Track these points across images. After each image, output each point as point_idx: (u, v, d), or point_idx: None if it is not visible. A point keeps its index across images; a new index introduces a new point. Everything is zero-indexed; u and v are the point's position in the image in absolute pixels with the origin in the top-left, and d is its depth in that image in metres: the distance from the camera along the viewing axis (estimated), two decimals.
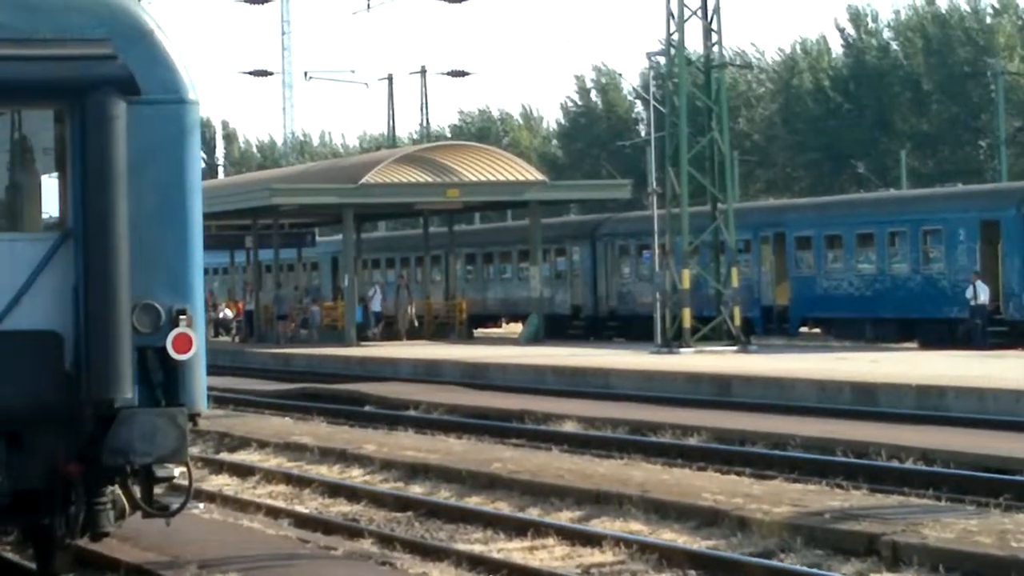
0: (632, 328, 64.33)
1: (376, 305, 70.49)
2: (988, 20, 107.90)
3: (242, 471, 27.77)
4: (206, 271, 30.25)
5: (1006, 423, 29.78)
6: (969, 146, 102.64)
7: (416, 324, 70.15)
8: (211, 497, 22.79)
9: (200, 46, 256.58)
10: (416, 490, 24.12)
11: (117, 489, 15.45)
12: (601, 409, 35.29)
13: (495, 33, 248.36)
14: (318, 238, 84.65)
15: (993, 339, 50.75)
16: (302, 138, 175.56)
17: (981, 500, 21.48)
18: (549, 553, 19.18)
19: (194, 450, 21.41)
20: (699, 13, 54.22)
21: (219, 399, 38.48)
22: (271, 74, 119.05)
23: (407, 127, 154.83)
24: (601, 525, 20.64)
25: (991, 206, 55.95)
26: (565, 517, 21.43)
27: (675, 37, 55.10)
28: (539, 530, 20.27)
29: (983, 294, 51.75)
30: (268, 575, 15.91)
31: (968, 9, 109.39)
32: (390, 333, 69.17)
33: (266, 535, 18.91)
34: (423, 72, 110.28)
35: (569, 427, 32.42)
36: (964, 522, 18.89)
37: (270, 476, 26.79)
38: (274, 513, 21.64)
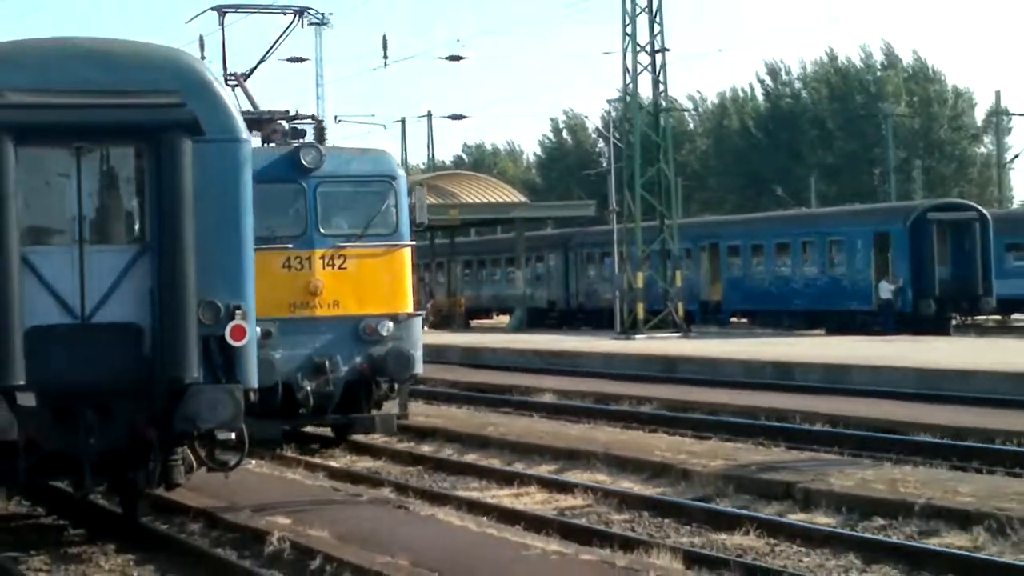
0: (597, 319, 64.21)
1: None
2: (879, 73, 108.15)
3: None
4: None
5: (895, 393, 29.77)
6: (865, 174, 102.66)
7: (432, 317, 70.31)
8: (261, 455, 22.78)
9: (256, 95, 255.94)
10: (425, 449, 24.07)
11: (186, 449, 15.54)
12: (572, 384, 35.26)
13: (486, 83, 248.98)
14: None
15: (883, 329, 50.89)
16: None
17: (876, 455, 21.55)
18: (531, 499, 19.24)
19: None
20: (649, 68, 54.16)
21: None
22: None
23: (417, 159, 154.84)
24: (573, 476, 20.64)
25: (883, 221, 56.02)
26: (544, 470, 21.45)
27: (630, 87, 55.13)
28: (523, 480, 20.36)
29: (887, 292, 51.89)
30: (307, 516, 15.85)
31: (862, 64, 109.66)
32: None
33: (305, 485, 18.94)
34: (429, 116, 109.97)
35: (547, 398, 32.32)
36: (862, 473, 19.06)
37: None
38: (312, 468, 21.63)
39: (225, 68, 24.61)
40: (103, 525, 16.62)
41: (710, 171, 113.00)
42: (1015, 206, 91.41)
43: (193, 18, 23.18)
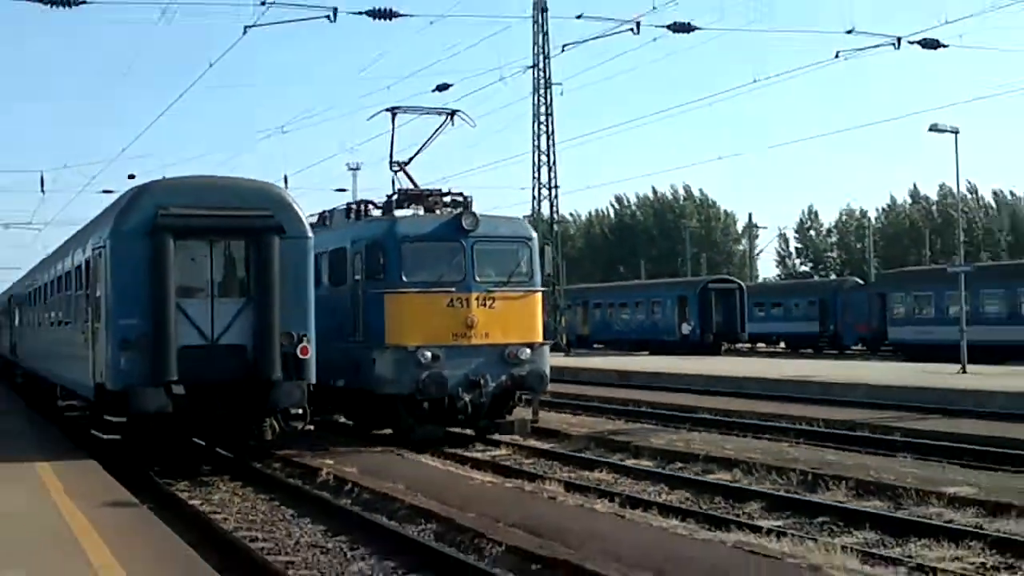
0: None
1: None
2: (682, 201, 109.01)
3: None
4: None
5: (689, 388, 30.00)
6: (673, 262, 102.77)
7: None
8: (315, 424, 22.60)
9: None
10: None
11: (272, 419, 15.53)
12: None
13: None
14: None
15: (682, 351, 51.39)
16: None
17: (677, 426, 21.65)
18: (475, 451, 18.79)
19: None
20: (548, 198, 54.32)
21: None
22: None
23: None
24: (500, 437, 20.48)
25: (683, 289, 56.57)
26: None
27: (536, 209, 55.32)
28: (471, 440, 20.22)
29: (687, 329, 52.37)
30: (343, 460, 15.78)
31: (672, 196, 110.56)
32: None
33: (346, 439, 18.68)
34: None
35: None
36: (669, 436, 19.18)
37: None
38: (346, 431, 21.36)
39: (391, 156, 20.87)
40: (222, 465, 16.51)
41: (584, 258, 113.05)
42: (759, 280, 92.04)
43: (372, 116, 20.36)
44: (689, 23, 20.88)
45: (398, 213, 19.54)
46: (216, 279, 15.47)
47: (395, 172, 20.59)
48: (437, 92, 21.34)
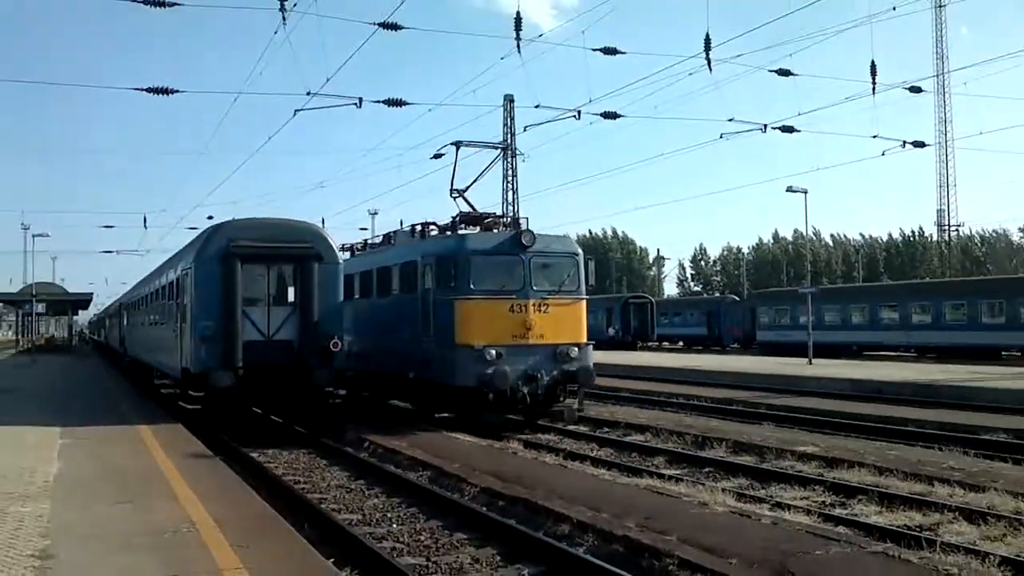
0: None
1: None
2: (609, 239, 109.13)
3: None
4: None
5: (616, 374, 29.45)
6: (604, 283, 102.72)
7: None
8: (339, 398, 22.30)
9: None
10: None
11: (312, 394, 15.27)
12: None
13: None
14: None
15: (609, 347, 51.29)
16: None
17: (607, 402, 21.39)
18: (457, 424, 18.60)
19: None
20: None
21: None
22: None
23: None
24: None
25: (611, 303, 56.20)
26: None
27: None
28: None
29: (613, 330, 52.31)
30: (363, 426, 15.57)
31: (602, 235, 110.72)
32: None
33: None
34: None
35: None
36: (600, 408, 18.85)
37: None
38: (362, 404, 20.99)
39: (452, 183, 18.24)
40: (275, 432, 16.06)
41: None
42: (665, 297, 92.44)
43: (441, 148, 17.91)
44: (615, 112, 21.03)
45: (461, 232, 17.68)
46: (272, 292, 15.26)
47: (455, 198, 18.49)
48: (434, 159, 20.95)
